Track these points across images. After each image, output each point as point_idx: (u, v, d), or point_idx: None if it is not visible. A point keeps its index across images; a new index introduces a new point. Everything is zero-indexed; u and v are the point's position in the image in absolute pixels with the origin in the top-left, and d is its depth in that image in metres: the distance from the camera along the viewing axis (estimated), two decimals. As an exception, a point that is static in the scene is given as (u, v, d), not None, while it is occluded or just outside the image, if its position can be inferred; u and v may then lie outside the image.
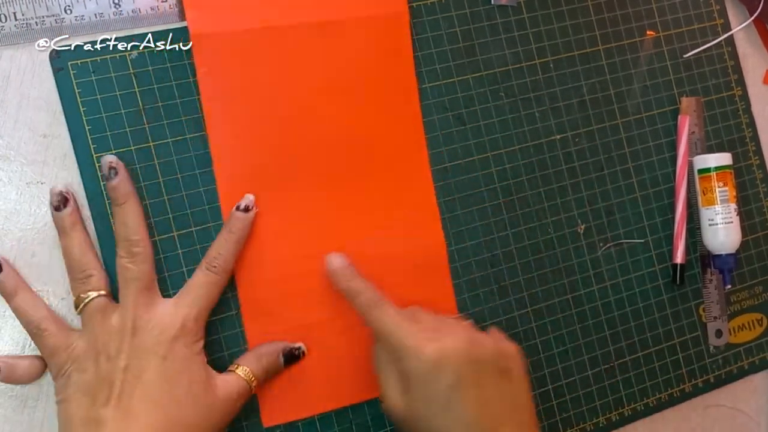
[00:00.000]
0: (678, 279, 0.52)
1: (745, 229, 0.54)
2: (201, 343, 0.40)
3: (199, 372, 0.40)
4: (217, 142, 0.43)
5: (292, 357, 0.43)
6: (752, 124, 0.56)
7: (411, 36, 0.47)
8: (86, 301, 0.39)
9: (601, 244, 0.51)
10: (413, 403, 0.39)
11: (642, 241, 0.52)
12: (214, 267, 0.41)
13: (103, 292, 0.40)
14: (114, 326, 0.39)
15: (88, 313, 0.39)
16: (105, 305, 0.39)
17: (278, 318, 0.44)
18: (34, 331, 0.39)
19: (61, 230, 0.41)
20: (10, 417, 0.40)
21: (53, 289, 0.41)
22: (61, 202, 0.41)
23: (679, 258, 0.52)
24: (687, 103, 0.53)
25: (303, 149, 0.45)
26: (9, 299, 0.40)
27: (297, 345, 0.44)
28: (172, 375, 0.38)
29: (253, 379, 0.41)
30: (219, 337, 0.43)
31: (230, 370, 0.41)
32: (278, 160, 0.44)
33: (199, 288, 0.41)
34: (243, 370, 0.41)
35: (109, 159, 0.41)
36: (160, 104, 0.43)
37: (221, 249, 0.42)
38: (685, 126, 0.52)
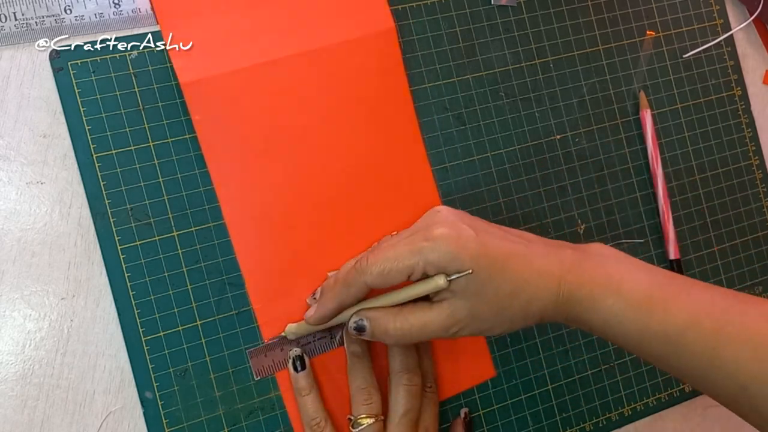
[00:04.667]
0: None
1: (745, 229, 0.54)
2: None
3: None
4: (221, 187, 0.43)
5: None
6: (752, 124, 0.56)
7: (401, 52, 0.47)
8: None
9: (601, 244, 0.51)
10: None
11: (642, 241, 0.52)
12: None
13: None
14: None
15: None
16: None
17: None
18: (313, 427, 0.42)
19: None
20: (10, 417, 0.40)
21: (53, 289, 0.41)
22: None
23: (671, 254, 0.52)
24: (646, 97, 0.53)
25: (307, 180, 0.45)
26: (299, 395, 0.43)
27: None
28: None
29: None
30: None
31: None
32: (283, 194, 0.44)
33: None
34: None
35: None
36: (160, 104, 0.43)
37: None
38: (647, 120, 0.52)
